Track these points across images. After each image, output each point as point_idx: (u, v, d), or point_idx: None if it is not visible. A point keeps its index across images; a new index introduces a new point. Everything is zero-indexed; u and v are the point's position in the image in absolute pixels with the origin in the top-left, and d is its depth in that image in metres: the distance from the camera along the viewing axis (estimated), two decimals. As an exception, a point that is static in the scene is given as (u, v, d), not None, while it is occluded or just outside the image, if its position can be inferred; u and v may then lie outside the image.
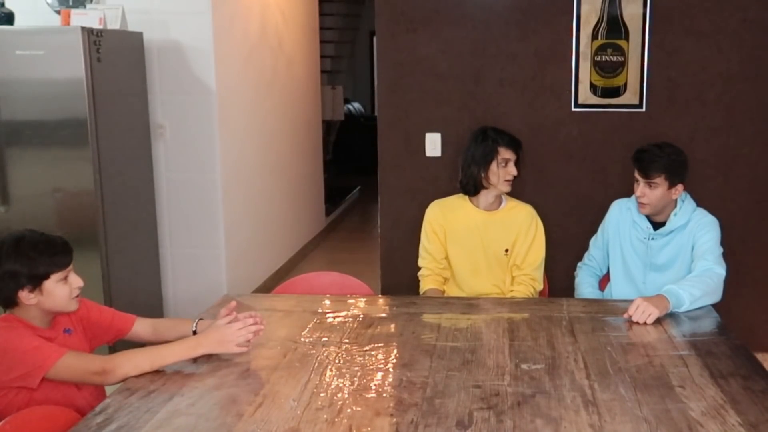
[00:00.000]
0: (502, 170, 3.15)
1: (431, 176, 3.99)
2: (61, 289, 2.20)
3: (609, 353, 2.34)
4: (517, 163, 3.19)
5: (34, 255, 2.15)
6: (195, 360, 2.28)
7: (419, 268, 3.32)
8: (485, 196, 3.23)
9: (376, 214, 4.74)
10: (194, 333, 2.39)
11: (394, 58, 3.96)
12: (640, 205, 3.02)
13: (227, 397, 2.07)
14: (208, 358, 2.30)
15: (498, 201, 3.26)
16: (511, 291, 3.23)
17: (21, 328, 2.16)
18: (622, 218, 3.16)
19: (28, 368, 2.09)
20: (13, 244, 2.16)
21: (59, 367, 2.10)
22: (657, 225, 3.06)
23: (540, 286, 3.25)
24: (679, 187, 2.99)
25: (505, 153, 3.15)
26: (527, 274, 3.22)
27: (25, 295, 2.15)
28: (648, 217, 3.07)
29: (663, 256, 3.05)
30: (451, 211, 3.26)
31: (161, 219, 4.69)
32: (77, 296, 2.26)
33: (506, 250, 3.21)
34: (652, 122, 3.87)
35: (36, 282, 2.15)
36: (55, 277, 2.18)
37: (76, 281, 2.24)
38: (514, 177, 3.18)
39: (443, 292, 3.25)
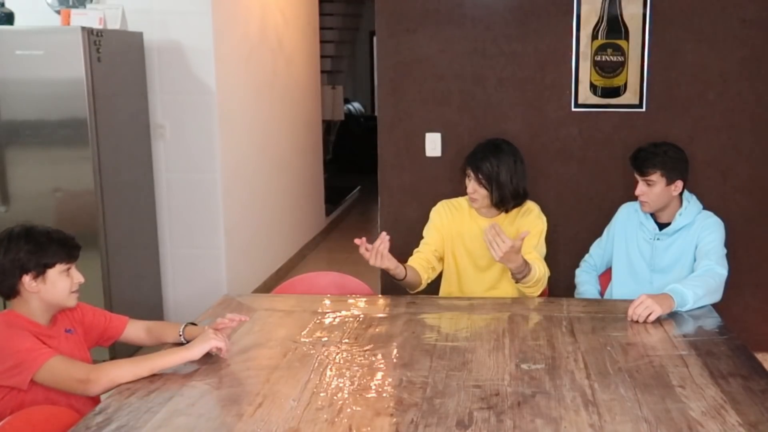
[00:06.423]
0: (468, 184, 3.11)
1: (431, 176, 3.99)
2: (63, 281, 2.24)
3: (609, 353, 2.34)
4: (487, 183, 3.02)
5: (44, 241, 2.20)
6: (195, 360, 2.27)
7: None
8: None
9: (376, 214, 4.73)
10: (180, 336, 2.41)
11: (394, 58, 3.96)
12: (642, 203, 3.04)
13: (227, 397, 2.07)
14: (208, 358, 2.30)
15: None
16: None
17: (20, 326, 2.17)
18: (630, 220, 3.16)
19: (17, 361, 2.09)
20: (24, 232, 2.21)
21: (45, 370, 2.09)
22: (662, 226, 3.07)
23: (546, 269, 3.05)
24: (678, 183, 2.99)
25: (466, 169, 3.09)
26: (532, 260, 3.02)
27: (28, 282, 2.18)
28: (654, 218, 3.08)
29: (667, 258, 3.06)
30: (457, 212, 3.24)
31: (161, 219, 4.69)
32: (76, 291, 2.29)
33: None
34: (652, 122, 3.86)
35: (41, 269, 2.19)
36: (59, 267, 2.22)
37: (77, 276, 2.28)
38: (485, 196, 3.05)
39: (418, 274, 3.08)
